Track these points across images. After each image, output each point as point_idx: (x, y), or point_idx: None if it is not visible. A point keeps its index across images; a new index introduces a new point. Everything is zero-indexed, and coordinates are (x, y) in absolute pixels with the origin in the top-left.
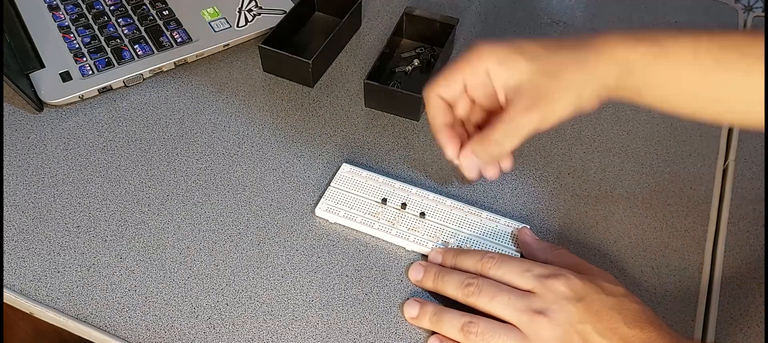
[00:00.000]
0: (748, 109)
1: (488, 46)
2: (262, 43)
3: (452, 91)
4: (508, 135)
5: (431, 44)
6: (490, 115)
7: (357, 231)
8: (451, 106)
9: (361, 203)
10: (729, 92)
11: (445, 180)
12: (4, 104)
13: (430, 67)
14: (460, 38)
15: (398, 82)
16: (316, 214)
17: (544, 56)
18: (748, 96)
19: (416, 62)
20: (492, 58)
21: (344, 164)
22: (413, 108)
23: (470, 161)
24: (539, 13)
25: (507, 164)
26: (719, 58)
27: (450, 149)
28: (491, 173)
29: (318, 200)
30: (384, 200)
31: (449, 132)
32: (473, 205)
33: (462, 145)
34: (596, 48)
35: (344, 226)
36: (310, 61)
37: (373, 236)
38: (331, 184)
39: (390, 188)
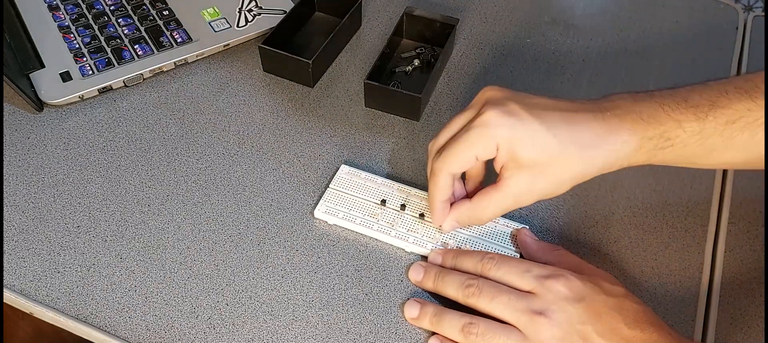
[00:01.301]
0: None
1: (500, 126)
2: (262, 43)
3: (464, 167)
4: (498, 211)
5: (431, 44)
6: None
7: (356, 233)
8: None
9: (360, 204)
10: (739, 154)
11: None
12: (4, 104)
13: (431, 67)
14: (460, 38)
15: (398, 82)
16: (315, 216)
17: (554, 152)
18: (758, 150)
19: (416, 62)
20: (503, 140)
21: (343, 166)
22: (413, 108)
23: (452, 228)
24: (540, 13)
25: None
26: (724, 133)
27: (438, 222)
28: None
29: (317, 202)
30: (383, 202)
31: (445, 207)
32: None
33: None
34: (604, 149)
35: (343, 227)
36: (310, 61)
37: (373, 238)
38: (330, 185)
39: (389, 189)
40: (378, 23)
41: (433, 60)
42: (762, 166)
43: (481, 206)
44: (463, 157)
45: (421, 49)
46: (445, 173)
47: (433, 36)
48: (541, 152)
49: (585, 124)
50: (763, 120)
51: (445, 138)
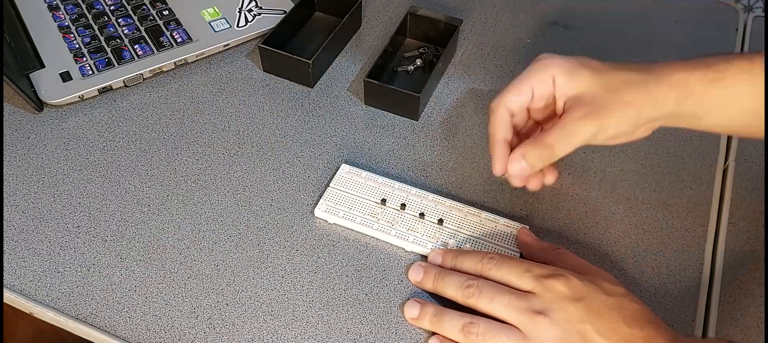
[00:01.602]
0: None
1: (553, 57)
2: (262, 43)
3: (521, 101)
4: (562, 140)
5: (435, 44)
6: (537, 128)
7: (356, 232)
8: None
9: (360, 203)
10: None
11: (445, 181)
12: (4, 104)
13: (432, 67)
14: (463, 39)
15: (400, 82)
16: (316, 215)
17: (607, 72)
18: None
19: (419, 62)
20: (558, 68)
21: (343, 165)
22: (413, 107)
23: (519, 166)
24: (541, 13)
25: (551, 177)
26: None
27: (499, 165)
28: (534, 184)
29: (317, 201)
30: (383, 201)
31: (505, 147)
32: (472, 205)
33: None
34: (656, 73)
35: (344, 227)
36: (310, 61)
37: (373, 237)
38: (331, 184)
39: (389, 188)
40: (378, 23)
41: (435, 60)
42: None
43: (549, 135)
44: (520, 88)
45: (424, 49)
46: (502, 107)
47: (437, 36)
48: (596, 75)
49: (637, 64)
50: None
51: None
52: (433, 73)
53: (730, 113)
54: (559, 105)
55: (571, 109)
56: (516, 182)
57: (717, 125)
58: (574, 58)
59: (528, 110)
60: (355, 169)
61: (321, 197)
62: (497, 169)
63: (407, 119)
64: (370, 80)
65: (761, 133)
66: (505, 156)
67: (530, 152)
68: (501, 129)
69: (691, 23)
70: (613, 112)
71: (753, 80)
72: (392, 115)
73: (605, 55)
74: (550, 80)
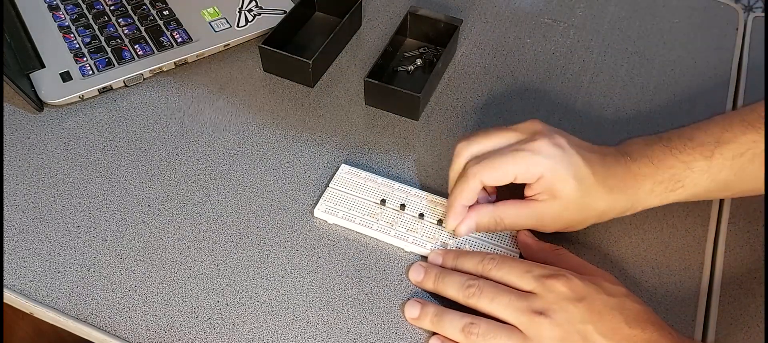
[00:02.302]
0: None
1: (550, 158)
2: (262, 43)
3: (498, 183)
4: (518, 224)
5: (435, 44)
6: None
7: (356, 232)
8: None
9: (359, 204)
10: (754, 183)
11: (445, 181)
12: (4, 104)
13: (432, 67)
14: (463, 39)
15: (400, 82)
16: (315, 215)
17: (590, 192)
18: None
19: (419, 62)
20: (550, 172)
21: (343, 165)
22: (413, 107)
23: (467, 228)
24: (540, 13)
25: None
26: (733, 167)
27: (452, 223)
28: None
29: (317, 201)
30: (383, 201)
31: (464, 211)
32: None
33: None
34: (626, 192)
35: (343, 227)
36: (311, 61)
37: (372, 237)
38: (330, 185)
39: (389, 189)
40: (378, 23)
41: (435, 60)
42: None
43: (506, 213)
44: (504, 171)
45: (425, 49)
46: (478, 180)
47: (437, 36)
48: (577, 188)
49: (613, 167)
50: None
51: (482, 147)
52: (433, 73)
53: (678, 201)
54: (530, 192)
55: (541, 204)
56: (458, 233)
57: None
58: (565, 160)
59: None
60: (354, 169)
61: (320, 197)
62: (448, 226)
63: (407, 119)
64: (370, 80)
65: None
66: (461, 217)
67: (484, 222)
68: (467, 197)
69: (691, 23)
70: (575, 224)
71: (710, 176)
72: (392, 115)
73: (605, 54)
74: (536, 177)
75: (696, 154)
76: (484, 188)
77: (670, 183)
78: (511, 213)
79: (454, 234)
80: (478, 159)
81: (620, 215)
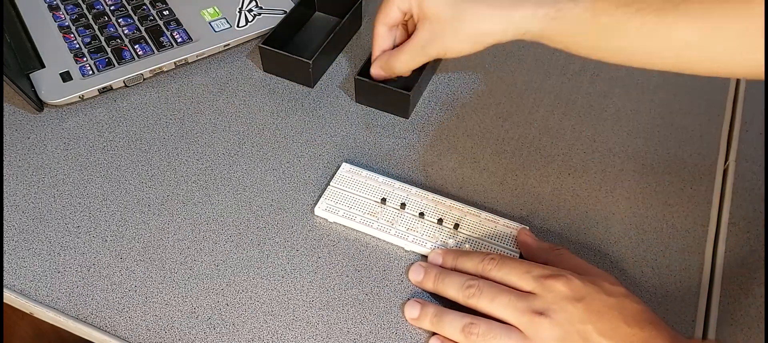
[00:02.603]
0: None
1: None
2: (262, 43)
3: (392, 17)
4: (407, 59)
5: None
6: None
7: (356, 231)
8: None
9: (360, 202)
10: (632, 43)
11: (445, 181)
12: (4, 104)
13: (423, 65)
14: None
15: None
16: (316, 213)
17: (458, 5)
18: (651, 44)
19: None
20: None
21: (344, 164)
22: (402, 105)
23: (376, 72)
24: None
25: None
26: (615, 14)
27: (374, 68)
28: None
29: (317, 200)
30: (383, 200)
31: (385, 41)
32: (472, 205)
33: None
34: (502, 8)
35: (344, 226)
36: (311, 61)
37: (373, 236)
38: (331, 183)
39: (389, 187)
40: None
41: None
42: (661, 66)
43: (396, 54)
44: (387, 9)
45: None
46: (379, 25)
47: None
48: (443, 5)
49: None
50: (657, 11)
51: None
52: (425, 71)
53: (560, 41)
54: (415, 17)
55: (418, 31)
56: (377, 76)
57: (561, 48)
58: None
59: (406, 25)
60: (355, 168)
61: (321, 195)
62: (372, 71)
63: (407, 119)
64: (361, 78)
65: (585, 55)
66: (379, 62)
67: (386, 67)
68: (379, 42)
69: None
70: (454, 43)
71: (593, 19)
72: (393, 115)
73: None
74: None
75: None
76: None
77: (551, 9)
78: (399, 52)
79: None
80: None
81: (503, 38)
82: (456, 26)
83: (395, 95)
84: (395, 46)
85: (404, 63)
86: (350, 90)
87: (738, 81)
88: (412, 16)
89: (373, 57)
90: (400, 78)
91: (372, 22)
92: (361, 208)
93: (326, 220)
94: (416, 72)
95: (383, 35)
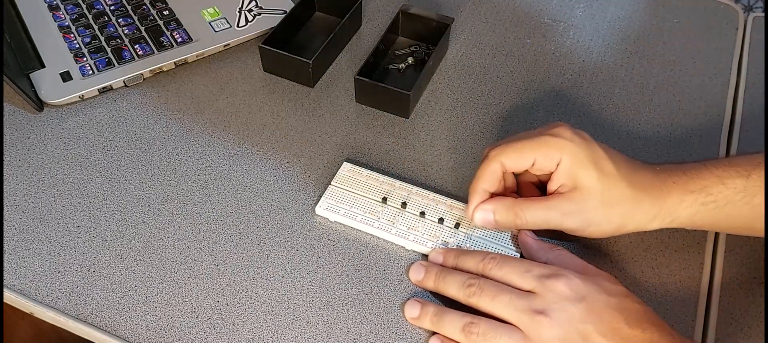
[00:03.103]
0: None
1: (569, 142)
2: (262, 43)
3: (518, 165)
4: (539, 220)
5: (427, 43)
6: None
7: (357, 230)
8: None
9: (361, 201)
10: None
11: (446, 180)
12: (4, 104)
13: (423, 65)
14: (458, 37)
15: (391, 80)
16: (317, 212)
17: (610, 180)
18: None
19: (410, 60)
20: (568, 156)
21: (345, 163)
22: (403, 105)
23: (483, 218)
24: (539, 13)
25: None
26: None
27: (470, 209)
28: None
29: (318, 199)
30: (384, 199)
31: (483, 197)
32: None
33: None
34: (653, 193)
35: (344, 225)
36: (311, 61)
37: (373, 235)
38: (332, 182)
39: (390, 187)
40: (378, 23)
41: (426, 58)
42: None
43: (525, 207)
44: (523, 153)
45: (416, 47)
46: (498, 161)
47: (429, 34)
48: (599, 178)
49: (640, 170)
50: None
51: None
52: (424, 71)
53: (711, 224)
54: (553, 185)
55: (562, 197)
56: (476, 224)
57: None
58: (587, 149)
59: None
60: (356, 167)
61: (322, 194)
62: (468, 213)
63: (408, 119)
64: (361, 78)
65: (735, 233)
66: (477, 201)
67: (502, 214)
68: (487, 180)
69: (691, 23)
70: (598, 222)
71: (745, 199)
72: (393, 115)
73: (605, 54)
74: (555, 162)
75: (731, 171)
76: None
77: (701, 194)
78: (531, 207)
79: (471, 222)
80: (499, 143)
81: (648, 226)
82: (605, 206)
83: (396, 95)
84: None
85: (535, 222)
86: (350, 90)
87: (738, 81)
88: (543, 173)
89: (473, 191)
90: (398, 80)
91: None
92: (361, 207)
93: (327, 219)
94: (416, 73)
95: (496, 174)
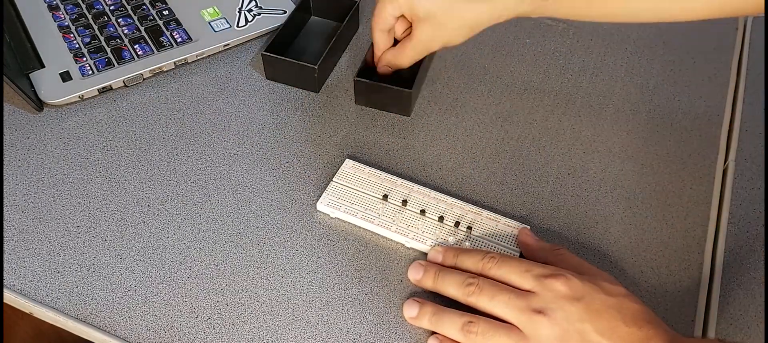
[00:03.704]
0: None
1: None
2: (264, 51)
3: (387, 23)
4: (416, 56)
5: None
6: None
7: (357, 228)
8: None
9: (362, 198)
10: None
11: (446, 179)
12: (4, 104)
13: (418, 63)
14: None
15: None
16: (318, 208)
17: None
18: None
19: None
20: None
21: (347, 160)
22: (404, 103)
23: (385, 70)
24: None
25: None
26: None
27: (375, 59)
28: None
29: (319, 197)
30: (385, 197)
31: (378, 55)
32: (473, 204)
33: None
34: None
35: (345, 223)
36: (316, 66)
37: (373, 233)
38: (334, 179)
39: (392, 184)
40: None
41: None
42: (657, 19)
43: (400, 52)
44: (382, 14)
45: None
46: (375, 30)
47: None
48: (432, 4)
49: None
50: None
51: None
52: (421, 68)
53: (555, 11)
54: (408, 19)
55: (417, 30)
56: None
57: (562, 16)
58: None
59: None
60: (358, 164)
61: (323, 191)
62: (380, 69)
63: (408, 119)
64: (360, 79)
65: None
66: (384, 59)
67: (392, 62)
68: (380, 47)
69: (691, 23)
70: (452, 30)
71: None
72: (393, 114)
73: (605, 54)
74: (398, 6)
75: None
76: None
77: None
78: (402, 48)
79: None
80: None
81: (495, 22)
82: (450, 20)
83: (397, 94)
84: (396, 42)
85: (409, 59)
86: (350, 91)
87: (737, 81)
88: (405, 17)
89: (376, 57)
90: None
91: (369, 26)
92: (362, 204)
93: (327, 217)
94: (414, 66)
95: (383, 39)
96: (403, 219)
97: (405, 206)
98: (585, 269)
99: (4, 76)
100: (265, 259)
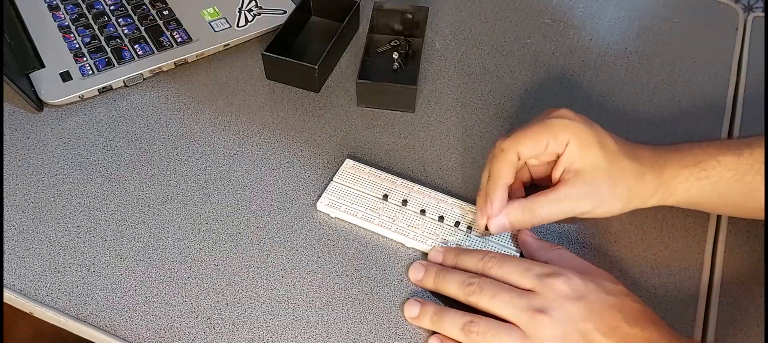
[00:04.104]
0: None
1: (574, 122)
2: (264, 51)
3: (535, 151)
4: (552, 212)
5: (405, 36)
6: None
7: (357, 228)
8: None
9: (362, 198)
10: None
11: (446, 179)
12: (4, 104)
13: (414, 58)
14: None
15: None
16: (318, 208)
17: (614, 158)
18: None
19: (395, 55)
20: (575, 136)
21: (347, 160)
22: (408, 99)
23: (499, 225)
24: (539, 13)
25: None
26: (762, 170)
27: (493, 208)
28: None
29: (319, 197)
30: (385, 196)
31: (505, 192)
32: (474, 203)
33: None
34: (655, 168)
35: (345, 223)
36: (316, 67)
37: (373, 233)
38: (334, 179)
39: (392, 184)
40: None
41: (411, 51)
42: None
43: (538, 202)
44: (538, 138)
45: (396, 42)
46: (513, 151)
47: (406, 27)
48: (604, 156)
49: (638, 148)
50: None
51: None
52: (421, 64)
53: (706, 202)
54: (557, 173)
55: (569, 184)
56: (492, 231)
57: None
58: (591, 129)
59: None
60: (358, 164)
61: (323, 191)
62: (482, 219)
63: (409, 119)
64: (363, 81)
65: (730, 213)
66: (502, 202)
67: (516, 215)
68: (506, 173)
69: (691, 23)
70: (606, 200)
71: (737, 176)
72: (393, 113)
73: (605, 54)
74: (564, 143)
75: (723, 148)
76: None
77: (694, 169)
78: (542, 201)
79: (486, 232)
80: (509, 134)
81: (649, 202)
82: (611, 181)
83: (401, 91)
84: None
85: (549, 215)
86: (350, 91)
87: (737, 81)
88: (550, 159)
89: (493, 188)
90: (393, 78)
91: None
92: (363, 204)
93: (327, 217)
94: (409, 67)
95: (513, 165)
96: (404, 219)
97: (405, 205)
98: (585, 269)
99: (4, 76)
100: (265, 259)
